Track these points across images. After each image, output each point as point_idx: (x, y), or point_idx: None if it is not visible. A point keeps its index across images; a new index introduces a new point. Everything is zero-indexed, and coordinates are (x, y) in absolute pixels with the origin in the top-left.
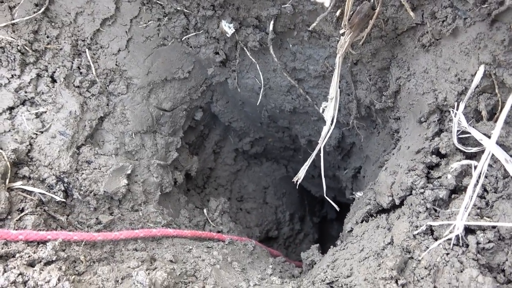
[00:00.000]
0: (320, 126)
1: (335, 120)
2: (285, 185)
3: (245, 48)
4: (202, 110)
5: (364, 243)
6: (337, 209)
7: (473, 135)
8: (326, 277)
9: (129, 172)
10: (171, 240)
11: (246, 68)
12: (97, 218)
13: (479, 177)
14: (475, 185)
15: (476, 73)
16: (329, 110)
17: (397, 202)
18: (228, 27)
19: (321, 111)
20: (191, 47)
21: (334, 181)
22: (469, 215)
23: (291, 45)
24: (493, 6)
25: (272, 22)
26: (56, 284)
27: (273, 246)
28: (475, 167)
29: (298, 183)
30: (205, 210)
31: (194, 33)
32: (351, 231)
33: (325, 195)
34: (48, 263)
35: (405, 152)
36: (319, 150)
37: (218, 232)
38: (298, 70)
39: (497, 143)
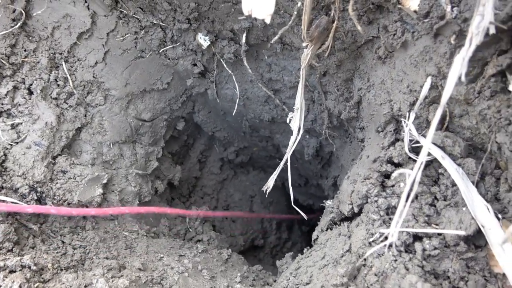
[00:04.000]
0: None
1: (301, 130)
2: (272, 194)
3: (221, 60)
4: (184, 120)
5: (326, 251)
6: (305, 217)
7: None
8: (288, 284)
9: (105, 181)
10: (145, 248)
11: (225, 79)
12: (71, 227)
13: (413, 184)
14: (409, 192)
15: (424, 84)
16: (295, 120)
17: (356, 210)
18: (203, 40)
19: (288, 121)
20: (169, 59)
21: (318, 190)
22: (417, 222)
23: (266, 57)
24: (434, 21)
25: (244, 35)
26: None
27: (259, 254)
28: (419, 174)
29: (268, 191)
30: (186, 219)
31: (171, 46)
32: (317, 239)
33: (292, 203)
34: (13, 271)
35: (365, 161)
36: (306, 158)
37: (198, 241)
38: (274, 81)
39: (445, 152)
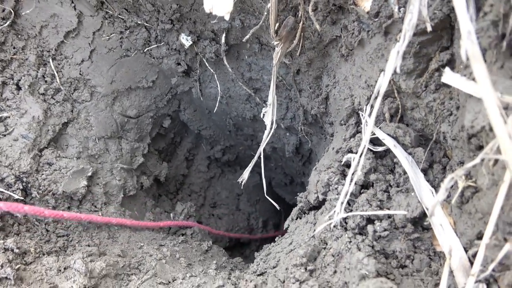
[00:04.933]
0: (280, 133)
1: (274, 124)
2: (259, 192)
3: (204, 59)
4: (171, 118)
5: (294, 237)
6: (278, 207)
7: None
8: (257, 268)
9: (89, 174)
10: (127, 238)
11: (208, 78)
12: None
13: (358, 164)
14: (352, 176)
15: (378, 79)
16: (268, 115)
17: (321, 198)
18: (185, 40)
19: (261, 116)
20: (153, 58)
21: (303, 188)
22: (371, 206)
23: (246, 57)
24: (383, 20)
25: (224, 35)
26: None
27: (245, 251)
28: (360, 159)
29: (242, 183)
30: (171, 214)
31: (156, 45)
32: (288, 227)
33: (265, 195)
34: None
35: (330, 153)
36: (287, 155)
37: (182, 235)
38: (255, 79)
39: (398, 142)
